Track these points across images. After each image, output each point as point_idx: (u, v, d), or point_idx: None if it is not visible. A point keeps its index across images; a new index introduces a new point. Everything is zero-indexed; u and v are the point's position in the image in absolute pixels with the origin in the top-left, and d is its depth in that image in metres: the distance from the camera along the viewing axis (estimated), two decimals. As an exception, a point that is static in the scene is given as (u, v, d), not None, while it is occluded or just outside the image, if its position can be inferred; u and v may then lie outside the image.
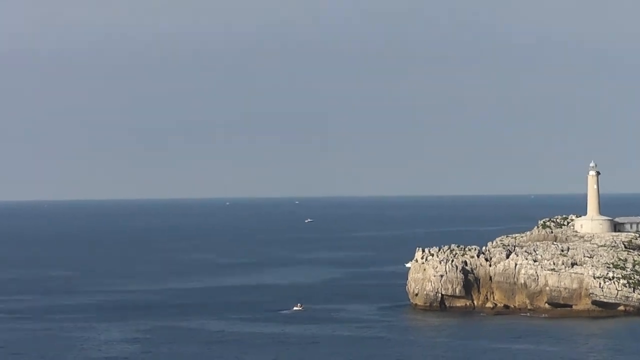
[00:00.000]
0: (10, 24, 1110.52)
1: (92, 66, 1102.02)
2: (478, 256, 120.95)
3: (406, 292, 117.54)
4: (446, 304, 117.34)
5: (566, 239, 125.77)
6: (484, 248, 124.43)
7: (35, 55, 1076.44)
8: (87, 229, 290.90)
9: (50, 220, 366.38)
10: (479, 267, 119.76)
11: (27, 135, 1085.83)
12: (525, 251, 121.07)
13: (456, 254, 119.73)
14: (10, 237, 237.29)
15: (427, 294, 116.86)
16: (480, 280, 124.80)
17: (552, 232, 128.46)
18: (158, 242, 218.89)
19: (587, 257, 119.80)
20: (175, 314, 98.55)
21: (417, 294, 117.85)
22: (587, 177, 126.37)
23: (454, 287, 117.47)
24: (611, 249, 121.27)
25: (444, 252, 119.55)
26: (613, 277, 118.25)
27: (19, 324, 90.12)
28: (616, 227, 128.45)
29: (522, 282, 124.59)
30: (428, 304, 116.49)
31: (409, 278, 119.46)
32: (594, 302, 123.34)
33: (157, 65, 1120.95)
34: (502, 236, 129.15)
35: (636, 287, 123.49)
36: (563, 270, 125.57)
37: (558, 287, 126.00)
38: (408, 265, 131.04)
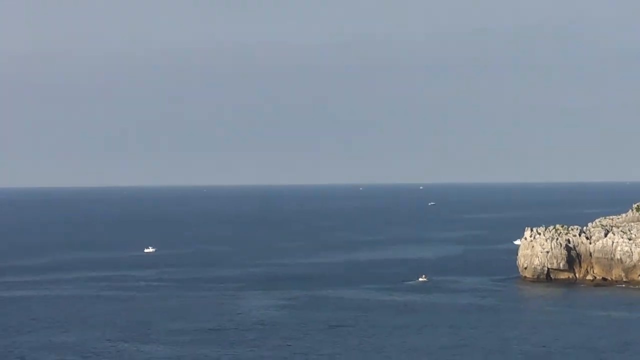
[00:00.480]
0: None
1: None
2: (579, 235, 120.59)
3: (516, 266, 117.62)
4: (551, 276, 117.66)
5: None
6: (584, 228, 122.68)
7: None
8: (248, 211, 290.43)
9: (216, 204, 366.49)
10: (581, 244, 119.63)
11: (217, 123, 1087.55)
12: (621, 231, 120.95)
13: (560, 232, 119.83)
14: (187, 218, 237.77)
15: (534, 268, 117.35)
16: (582, 256, 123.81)
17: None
18: (304, 223, 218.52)
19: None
20: (317, 284, 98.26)
21: (526, 268, 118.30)
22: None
23: (559, 261, 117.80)
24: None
25: (550, 231, 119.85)
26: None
27: (184, 292, 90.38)
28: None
29: (618, 257, 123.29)
30: (535, 277, 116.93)
31: (518, 254, 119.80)
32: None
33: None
34: (601, 217, 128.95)
35: None
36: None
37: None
38: (517, 242, 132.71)
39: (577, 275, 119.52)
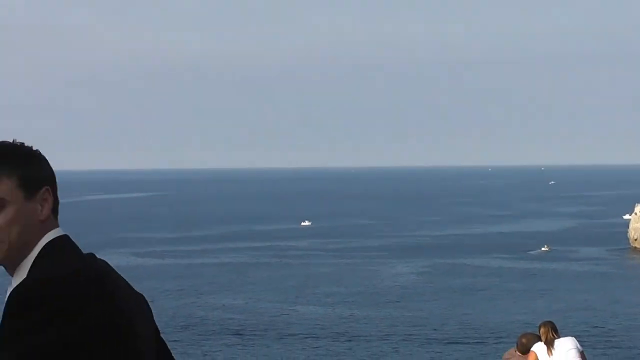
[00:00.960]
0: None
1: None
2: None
3: (627, 238, 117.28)
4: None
5: None
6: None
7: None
8: (392, 190, 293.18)
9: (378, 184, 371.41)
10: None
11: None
12: None
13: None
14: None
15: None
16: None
17: None
18: (441, 200, 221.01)
19: None
20: (452, 253, 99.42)
21: (636, 239, 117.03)
22: None
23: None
24: None
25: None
26: None
27: (335, 260, 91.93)
28: None
29: None
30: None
31: (629, 227, 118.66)
32: None
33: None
34: None
35: None
36: None
37: None
38: (626, 217, 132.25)
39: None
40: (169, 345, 3.94)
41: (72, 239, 3.71)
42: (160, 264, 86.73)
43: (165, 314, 56.95)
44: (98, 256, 3.80)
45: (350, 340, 51.16)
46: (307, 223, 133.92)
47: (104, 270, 3.68)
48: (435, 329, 54.27)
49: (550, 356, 14.00)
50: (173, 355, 3.95)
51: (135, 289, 3.83)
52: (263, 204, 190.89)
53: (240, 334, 52.01)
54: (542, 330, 14.23)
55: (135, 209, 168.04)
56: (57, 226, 3.74)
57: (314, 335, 52.13)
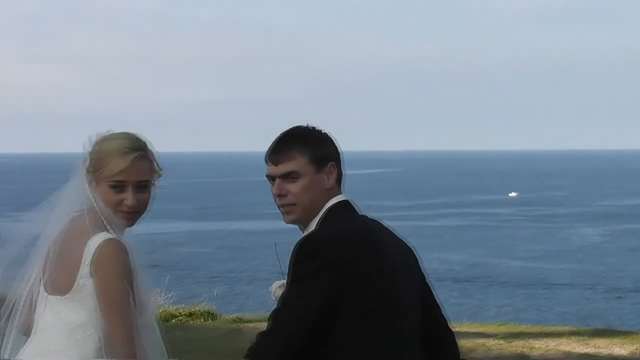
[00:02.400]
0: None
1: None
2: None
3: None
4: None
5: None
6: None
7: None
8: (584, 169, 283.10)
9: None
10: None
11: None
12: None
13: None
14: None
15: None
16: None
17: None
18: (620, 177, 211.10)
19: None
20: (629, 219, 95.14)
21: None
22: None
23: None
24: None
25: None
26: None
27: (536, 224, 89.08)
28: None
29: None
30: None
31: None
32: None
33: None
34: None
35: None
36: None
37: None
38: None
39: None
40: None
41: (352, 203, 3.81)
42: (395, 225, 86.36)
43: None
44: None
45: (546, 288, 50.70)
46: (514, 194, 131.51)
47: (374, 227, 3.72)
48: (617, 279, 53.27)
49: None
50: (436, 297, 3.92)
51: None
52: (482, 178, 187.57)
53: (459, 282, 52.01)
54: None
55: (382, 183, 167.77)
56: (340, 193, 3.79)
57: (517, 284, 51.89)
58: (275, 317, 3.56)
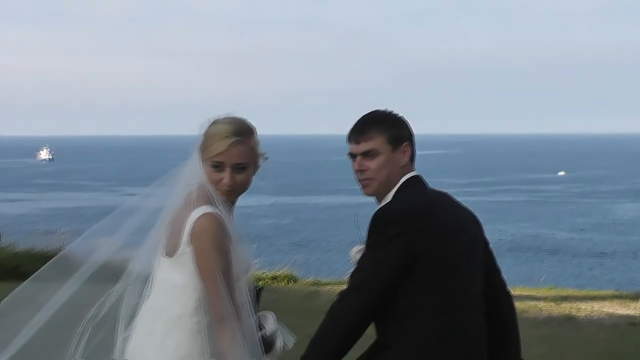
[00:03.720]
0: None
1: None
2: None
3: None
4: None
5: None
6: None
7: None
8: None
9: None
10: None
11: None
12: None
13: None
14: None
15: None
16: None
17: None
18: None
19: None
20: None
21: None
22: None
23: None
24: None
25: None
26: None
27: (583, 199, 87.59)
28: None
29: None
30: None
31: None
32: None
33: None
34: None
35: None
36: None
37: None
38: None
39: None
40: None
41: (423, 179, 3.79)
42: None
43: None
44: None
45: (591, 257, 50.30)
46: (562, 173, 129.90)
47: (442, 200, 3.72)
48: None
49: None
50: (496, 262, 3.91)
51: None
52: (535, 159, 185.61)
53: (513, 251, 51.82)
54: None
55: (448, 162, 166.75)
56: (413, 170, 3.80)
57: (565, 253, 51.52)
58: (354, 277, 3.59)
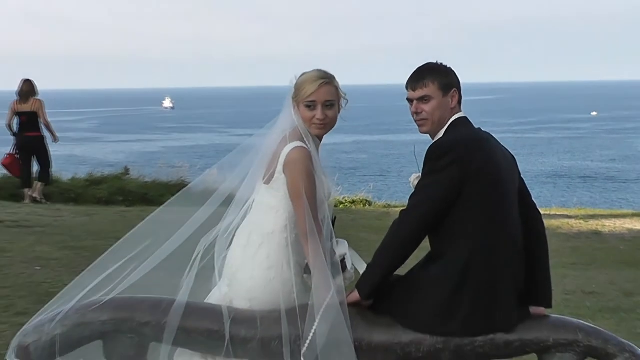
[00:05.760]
0: None
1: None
2: None
3: None
4: None
5: None
6: None
7: None
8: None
9: None
10: None
11: None
12: None
13: None
14: None
15: None
16: None
17: None
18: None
19: None
20: None
21: None
22: None
23: None
24: None
25: None
26: None
27: (608, 135, 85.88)
28: None
29: None
30: None
31: None
32: None
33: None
34: None
35: None
36: None
37: None
38: None
39: None
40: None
41: (469, 119, 3.76)
42: (501, 138, 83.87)
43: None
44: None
45: (616, 182, 48.89)
46: (594, 113, 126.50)
47: (485, 137, 3.70)
48: None
49: None
50: (527, 187, 3.81)
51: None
52: (572, 102, 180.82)
53: (552, 177, 50.73)
54: None
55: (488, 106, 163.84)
56: (460, 111, 3.74)
57: (594, 179, 50.25)
58: (412, 199, 3.59)
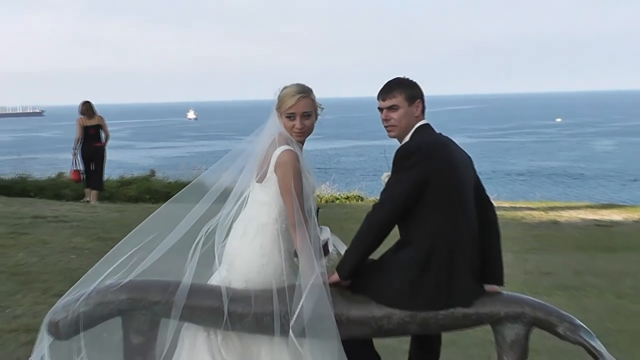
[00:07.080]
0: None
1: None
2: None
3: None
4: None
5: None
6: None
7: None
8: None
9: None
10: None
11: None
12: None
13: None
14: None
15: None
16: None
17: None
18: None
19: None
20: (636, 135, 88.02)
21: None
22: None
23: None
24: None
25: None
26: None
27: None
28: None
29: None
30: None
31: None
32: None
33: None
34: None
35: None
36: None
37: None
38: None
39: None
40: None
41: (431, 125, 3.70)
42: (476, 142, 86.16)
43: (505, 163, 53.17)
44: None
45: (575, 178, 48.35)
46: (559, 119, 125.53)
47: (446, 141, 3.65)
48: (626, 173, 49.60)
49: None
50: (482, 182, 3.74)
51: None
52: (540, 110, 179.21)
53: (520, 175, 49.97)
54: None
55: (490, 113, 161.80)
56: (424, 119, 3.71)
57: (556, 175, 49.79)
58: (384, 194, 3.57)
